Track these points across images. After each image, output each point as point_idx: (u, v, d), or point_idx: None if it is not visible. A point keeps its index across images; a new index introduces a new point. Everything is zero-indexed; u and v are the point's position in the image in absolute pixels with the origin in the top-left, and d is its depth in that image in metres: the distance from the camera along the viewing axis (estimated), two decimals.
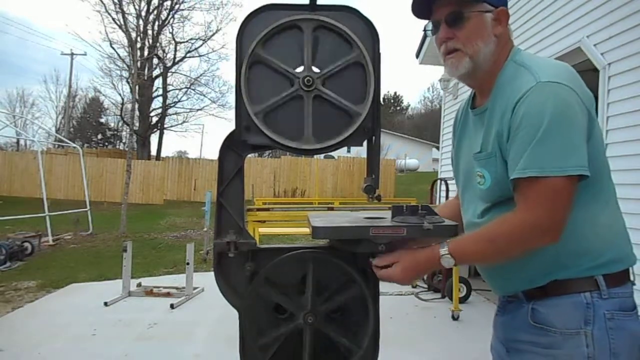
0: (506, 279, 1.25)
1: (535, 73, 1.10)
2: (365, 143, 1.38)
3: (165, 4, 22.60)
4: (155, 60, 23.48)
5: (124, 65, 21.17)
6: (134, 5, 20.63)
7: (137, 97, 14.98)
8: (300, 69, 1.30)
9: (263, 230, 6.97)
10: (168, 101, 24.46)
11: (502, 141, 1.13)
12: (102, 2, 18.84)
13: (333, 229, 1.24)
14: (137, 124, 21.73)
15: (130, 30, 14.76)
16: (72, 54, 28.47)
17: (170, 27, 23.45)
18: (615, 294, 1.13)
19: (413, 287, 5.63)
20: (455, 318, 4.44)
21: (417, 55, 7.94)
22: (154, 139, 25.57)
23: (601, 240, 1.15)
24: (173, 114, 25.50)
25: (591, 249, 1.14)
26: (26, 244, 7.52)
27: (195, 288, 5.31)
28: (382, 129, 1.38)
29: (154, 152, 25.14)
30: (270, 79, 1.30)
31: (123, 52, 21.10)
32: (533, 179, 1.05)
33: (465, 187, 1.35)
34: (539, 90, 1.07)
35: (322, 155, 19.33)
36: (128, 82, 22.13)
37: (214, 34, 26.60)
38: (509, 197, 1.14)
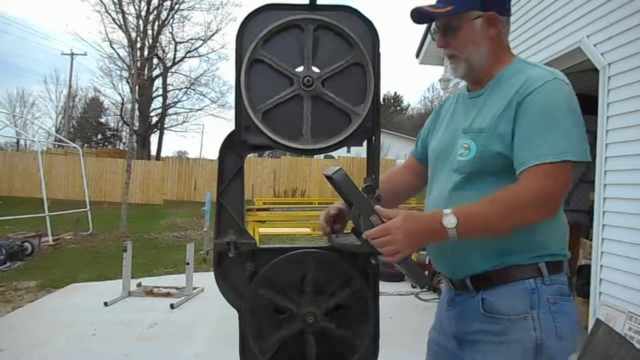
0: (460, 257, 1.26)
1: (551, 71, 1.21)
2: (365, 143, 1.39)
3: (165, 4, 22.60)
4: (155, 60, 23.47)
5: (124, 65, 21.15)
6: (134, 5, 20.64)
7: (137, 97, 14.97)
8: (300, 69, 1.30)
9: (263, 230, 6.97)
10: (168, 101, 24.45)
11: (506, 114, 1.19)
12: (102, 2, 18.72)
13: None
14: (137, 124, 21.70)
15: (130, 30, 14.74)
16: (72, 54, 28.45)
17: (170, 27, 23.45)
18: (555, 280, 1.22)
19: (413, 287, 5.63)
20: None
21: (417, 55, 7.93)
22: (154, 139, 25.59)
23: (552, 235, 1.24)
24: (173, 114, 25.51)
25: (542, 241, 1.22)
26: (26, 244, 7.51)
27: (195, 288, 5.31)
28: (382, 129, 1.38)
29: (154, 152, 25.13)
30: (270, 78, 1.30)
31: (123, 52, 21.10)
32: (545, 164, 1.12)
33: (437, 165, 1.38)
34: (557, 85, 1.17)
35: (322, 155, 19.32)
36: (128, 82, 22.11)
37: (214, 34, 26.54)
38: (485, 171, 1.22)
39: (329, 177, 1.23)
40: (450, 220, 1.10)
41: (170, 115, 25.32)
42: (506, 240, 1.18)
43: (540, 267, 1.20)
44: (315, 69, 1.31)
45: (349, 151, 22.67)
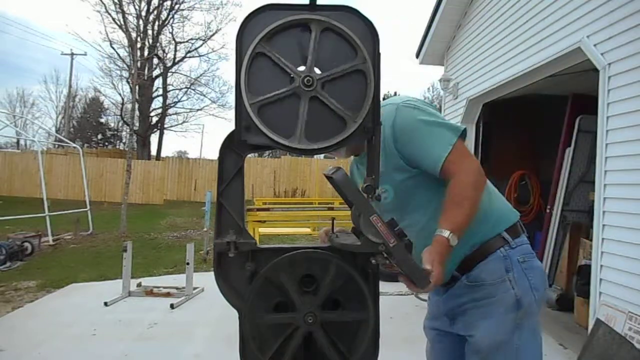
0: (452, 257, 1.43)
1: (391, 103, 1.50)
2: (365, 143, 1.38)
3: (165, 4, 22.58)
4: (155, 60, 23.45)
5: (124, 65, 21.17)
6: (134, 5, 20.63)
7: (137, 97, 14.96)
8: (301, 68, 1.30)
9: (263, 230, 6.98)
10: (168, 101, 24.44)
11: (389, 152, 1.46)
12: (102, 2, 18.72)
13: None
14: (137, 124, 21.70)
15: (131, 30, 14.74)
16: (72, 54, 28.41)
17: (170, 27, 23.43)
18: (519, 242, 1.47)
19: None
20: None
21: (417, 55, 7.93)
22: (154, 139, 25.57)
23: (496, 202, 1.52)
24: (173, 114, 25.50)
25: (493, 211, 1.48)
26: (26, 244, 7.51)
27: (195, 288, 5.31)
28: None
29: (154, 152, 25.12)
30: (271, 74, 1.29)
31: (123, 52, 21.10)
32: (448, 154, 1.38)
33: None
34: (401, 110, 1.46)
35: (322, 155, 19.30)
36: (128, 82, 22.13)
37: (214, 34, 26.59)
38: (406, 196, 1.49)
39: (329, 177, 1.23)
40: (454, 239, 1.30)
41: (170, 115, 25.34)
42: (470, 225, 1.37)
43: (504, 236, 1.45)
44: (317, 71, 1.30)
45: None
